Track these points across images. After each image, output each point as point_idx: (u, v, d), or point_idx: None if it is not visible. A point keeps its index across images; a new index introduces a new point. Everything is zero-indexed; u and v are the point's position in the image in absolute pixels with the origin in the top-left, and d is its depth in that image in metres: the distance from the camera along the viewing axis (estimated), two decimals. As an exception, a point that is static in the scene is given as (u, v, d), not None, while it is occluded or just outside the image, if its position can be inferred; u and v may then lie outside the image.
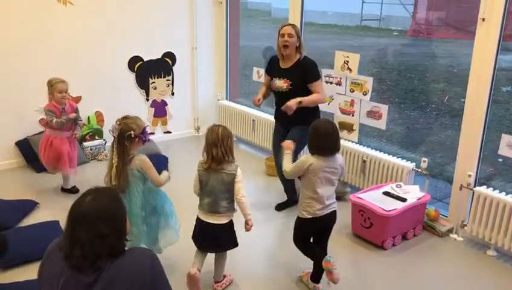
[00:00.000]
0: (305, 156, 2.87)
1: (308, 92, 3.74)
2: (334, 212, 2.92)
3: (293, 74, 3.78)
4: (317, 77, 3.79)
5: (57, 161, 4.07)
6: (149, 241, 2.97)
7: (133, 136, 2.73)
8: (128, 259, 1.71)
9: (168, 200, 3.02)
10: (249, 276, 3.17)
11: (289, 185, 4.06)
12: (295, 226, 2.97)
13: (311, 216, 2.84)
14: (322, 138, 2.78)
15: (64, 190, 4.27)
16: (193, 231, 2.89)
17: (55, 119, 3.92)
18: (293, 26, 3.79)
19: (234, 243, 2.88)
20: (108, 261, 1.66)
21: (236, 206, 2.83)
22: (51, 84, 3.95)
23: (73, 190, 4.26)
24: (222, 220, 2.77)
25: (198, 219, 2.84)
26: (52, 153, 4.04)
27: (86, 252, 1.62)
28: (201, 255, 2.91)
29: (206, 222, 2.78)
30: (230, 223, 2.84)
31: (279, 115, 3.94)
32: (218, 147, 2.66)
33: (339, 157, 2.87)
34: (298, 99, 3.66)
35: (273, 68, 3.95)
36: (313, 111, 3.81)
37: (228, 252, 2.95)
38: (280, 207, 4.12)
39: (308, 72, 3.77)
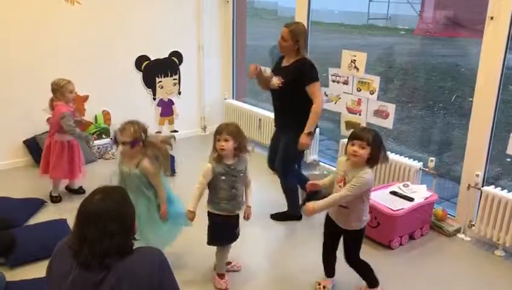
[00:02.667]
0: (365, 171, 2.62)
1: (299, 94, 3.54)
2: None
3: (288, 71, 3.58)
4: (312, 79, 3.55)
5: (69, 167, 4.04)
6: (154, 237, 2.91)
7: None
8: (136, 258, 1.71)
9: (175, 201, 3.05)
10: (260, 284, 3.16)
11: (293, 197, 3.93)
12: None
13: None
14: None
15: (71, 190, 4.27)
16: None
17: (78, 130, 3.92)
18: (291, 29, 3.54)
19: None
20: (116, 260, 1.66)
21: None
22: (61, 86, 3.86)
23: (81, 191, 4.26)
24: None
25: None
26: (64, 159, 3.99)
27: (94, 250, 1.63)
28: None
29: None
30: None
31: (275, 117, 3.88)
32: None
33: None
34: (305, 132, 3.52)
35: (275, 66, 3.81)
36: (306, 116, 3.59)
37: (236, 255, 2.98)
38: (276, 217, 3.96)
39: (304, 72, 3.54)
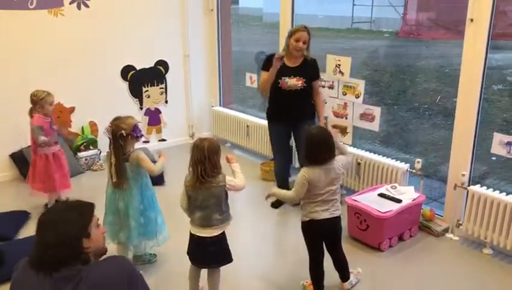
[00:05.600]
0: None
1: (312, 88, 3.95)
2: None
3: (304, 71, 3.88)
4: (319, 74, 4.03)
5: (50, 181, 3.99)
6: (146, 234, 3.15)
7: (124, 135, 2.96)
8: (104, 270, 1.72)
9: (156, 201, 3.23)
10: (247, 287, 3.17)
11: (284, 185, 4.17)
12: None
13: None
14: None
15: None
16: (187, 246, 2.81)
17: (42, 138, 3.81)
18: (308, 31, 3.82)
19: (227, 258, 2.78)
20: (81, 271, 1.67)
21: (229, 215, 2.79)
22: (41, 98, 3.83)
23: None
24: (214, 232, 2.69)
25: (190, 234, 2.76)
26: (54, 171, 3.96)
27: (43, 255, 1.66)
28: (195, 274, 2.86)
29: (198, 236, 2.71)
30: (223, 236, 2.75)
31: (286, 116, 4.00)
32: (206, 165, 2.60)
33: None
34: (322, 121, 4.07)
35: (278, 67, 3.87)
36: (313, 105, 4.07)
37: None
38: (277, 204, 4.20)
39: (316, 70, 3.98)
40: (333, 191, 2.81)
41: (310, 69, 3.91)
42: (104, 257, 1.86)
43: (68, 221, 1.72)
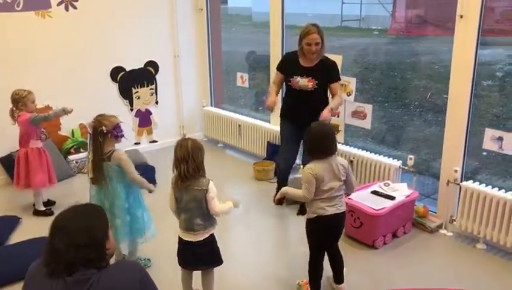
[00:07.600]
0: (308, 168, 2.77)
1: (327, 90, 3.83)
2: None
3: (318, 73, 3.76)
4: (338, 77, 3.86)
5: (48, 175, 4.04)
6: (134, 232, 3.11)
7: (104, 131, 2.93)
8: (116, 274, 1.70)
9: (142, 198, 3.20)
10: (243, 287, 3.15)
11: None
12: None
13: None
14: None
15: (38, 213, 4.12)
16: (177, 248, 2.76)
17: (51, 112, 3.97)
18: (319, 31, 3.67)
19: (217, 260, 2.74)
20: (93, 275, 1.64)
21: (215, 220, 2.72)
22: (23, 96, 3.85)
23: (51, 202, 4.25)
24: (198, 237, 2.62)
25: (179, 237, 2.72)
26: (44, 165, 4.00)
27: (60, 261, 1.63)
28: (187, 277, 2.84)
29: (184, 240, 2.66)
30: (211, 240, 2.67)
31: (296, 115, 3.91)
32: (189, 163, 2.53)
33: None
34: (329, 107, 3.68)
35: (291, 66, 3.86)
36: None
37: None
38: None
39: (332, 72, 3.81)
40: (337, 188, 2.78)
41: (325, 72, 3.77)
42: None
43: (96, 224, 1.74)
